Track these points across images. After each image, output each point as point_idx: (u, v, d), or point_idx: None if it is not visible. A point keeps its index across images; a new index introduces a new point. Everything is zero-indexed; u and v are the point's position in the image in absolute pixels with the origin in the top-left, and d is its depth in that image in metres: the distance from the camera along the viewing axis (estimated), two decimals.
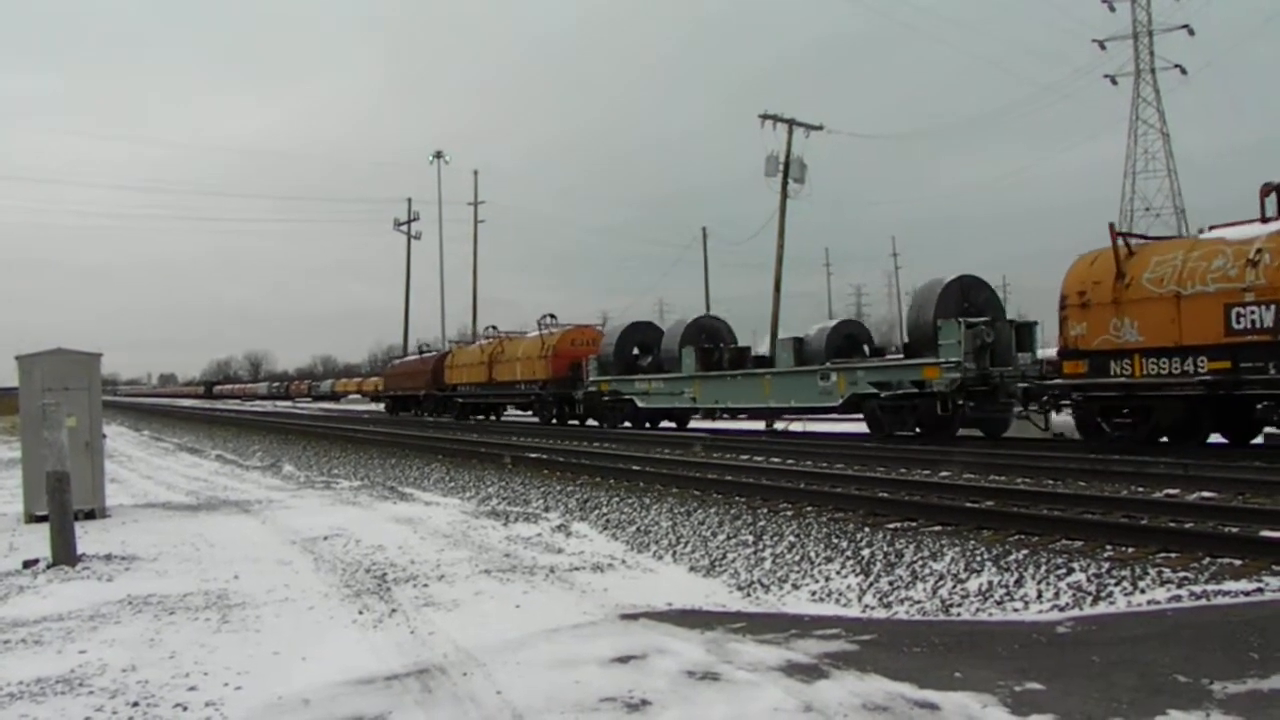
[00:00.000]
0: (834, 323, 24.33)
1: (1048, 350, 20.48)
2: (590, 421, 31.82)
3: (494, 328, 40.75)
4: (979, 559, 7.88)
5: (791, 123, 38.03)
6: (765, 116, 37.80)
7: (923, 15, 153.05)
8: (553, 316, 35.68)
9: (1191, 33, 51.05)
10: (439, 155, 58.06)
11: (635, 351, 30.33)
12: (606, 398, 29.31)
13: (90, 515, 12.08)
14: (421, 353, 50.47)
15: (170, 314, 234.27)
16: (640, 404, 27.93)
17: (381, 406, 66.35)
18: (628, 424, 28.44)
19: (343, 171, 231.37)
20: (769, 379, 23.64)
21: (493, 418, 41.00)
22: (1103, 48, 53.23)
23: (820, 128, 38.40)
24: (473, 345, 42.76)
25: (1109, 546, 7.88)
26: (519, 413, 39.82)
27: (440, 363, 43.89)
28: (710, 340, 27.27)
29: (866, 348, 23.84)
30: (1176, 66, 51.85)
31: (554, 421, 33.75)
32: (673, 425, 28.58)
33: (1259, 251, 13.86)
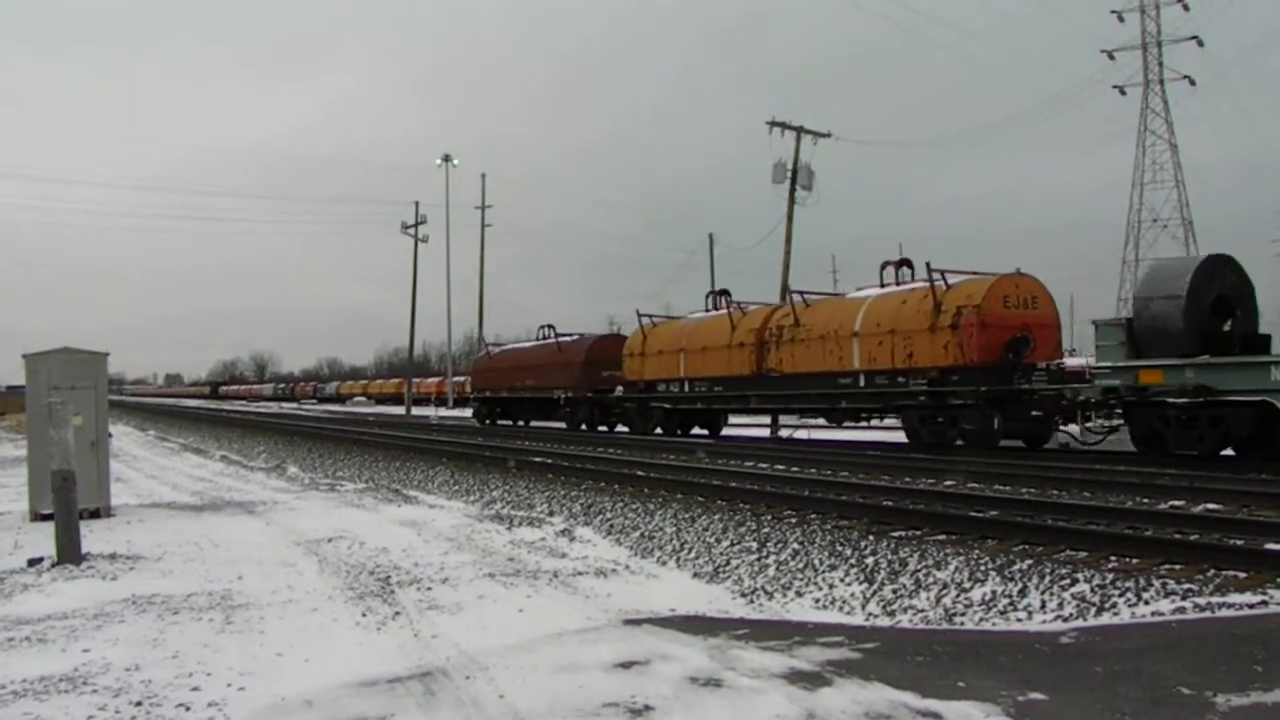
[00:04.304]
0: None
1: None
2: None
3: (726, 292, 26.28)
4: (983, 568, 7.86)
5: (800, 130, 38.13)
6: (773, 124, 37.91)
7: (931, 24, 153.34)
8: (907, 264, 20.79)
9: (1201, 44, 51.26)
10: (447, 159, 58.16)
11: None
12: (1176, 400, 14.62)
13: (95, 514, 12.12)
14: (555, 337, 33.86)
15: (177, 314, 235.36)
16: None
17: (380, 409, 64.93)
18: (1226, 452, 14.59)
19: (351, 174, 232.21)
20: None
21: (696, 431, 26.41)
22: (1111, 58, 53.49)
23: (828, 135, 38.52)
24: (710, 315, 26.35)
25: (1113, 557, 7.85)
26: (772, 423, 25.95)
27: (607, 349, 29.67)
28: None
29: None
30: (1185, 77, 52.07)
31: (959, 443, 18.17)
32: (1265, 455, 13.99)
33: None
